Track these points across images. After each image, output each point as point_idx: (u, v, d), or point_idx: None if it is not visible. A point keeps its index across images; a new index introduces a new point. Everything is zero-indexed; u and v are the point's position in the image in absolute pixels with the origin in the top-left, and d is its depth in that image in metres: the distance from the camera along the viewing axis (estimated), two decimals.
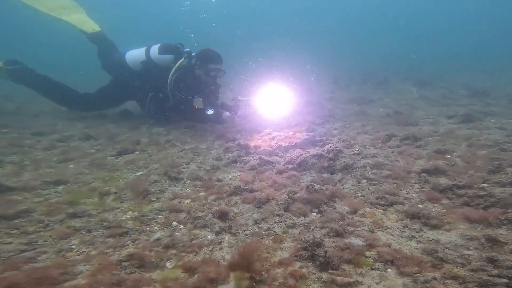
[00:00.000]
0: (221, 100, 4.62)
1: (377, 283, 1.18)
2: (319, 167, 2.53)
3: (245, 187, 2.29)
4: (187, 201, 2.16)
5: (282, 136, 3.92)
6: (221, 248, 1.58)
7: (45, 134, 3.78)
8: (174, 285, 1.27)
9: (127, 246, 1.57)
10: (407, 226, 1.54)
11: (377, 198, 1.82)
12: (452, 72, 9.55)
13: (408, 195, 1.86)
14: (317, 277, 1.22)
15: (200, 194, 2.28)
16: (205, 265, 1.35)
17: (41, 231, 1.69)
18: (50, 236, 1.63)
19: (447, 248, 1.35)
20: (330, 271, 1.22)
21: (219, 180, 2.51)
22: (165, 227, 1.81)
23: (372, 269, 1.24)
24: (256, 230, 1.74)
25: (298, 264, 1.33)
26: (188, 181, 2.54)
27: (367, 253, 1.33)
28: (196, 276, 1.32)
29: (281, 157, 3.06)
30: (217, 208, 1.97)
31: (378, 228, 1.53)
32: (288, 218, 1.82)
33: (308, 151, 2.77)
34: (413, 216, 1.58)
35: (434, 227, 1.53)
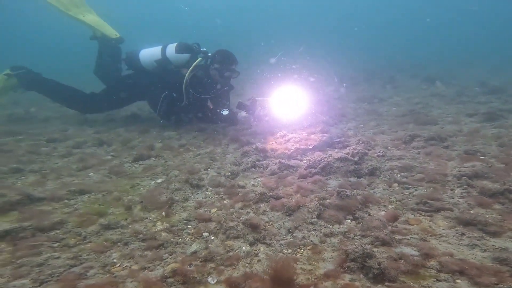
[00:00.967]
0: (238, 100, 4.53)
1: None
2: (345, 171, 2.46)
3: (271, 193, 2.22)
4: (214, 210, 2.10)
5: (297, 138, 3.85)
6: (259, 261, 1.52)
7: (59, 141, 3.75)
8: None
9: (165, 260, 1.53)
10: (464, 234, 1.45)
11: (417, 203, 1.74)
12: (460, 69, 9.42)
13: (453, 200, 1.77)
14: None
15: (225, 202, 2.22)
16: (249, 280, 1.29)
17: (80, 244, 1.68)
18: (90, 249, 1.62)
19: None
20: (387, 283, 1.15)
21: (241, 187, 2.45)
22: (197, 238, 1.75)
23: (438, 280, 1.17)
24: (291, 239, 1.67)
25: (347, 276, 1.26)
26: (210, 188, 2.48)
27: (427, 264, 1.24)
28: None
29: (301, 160, 2.99)
30: (246, 217, 1.91)
31: (430, 236, 1.46)
32: (323, 226, 1.76)
33: (331, 155, 2.70)
34: (468, 223, 1.49)
35: (494, 234, 1.44)
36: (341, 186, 2.16)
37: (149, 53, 4.44)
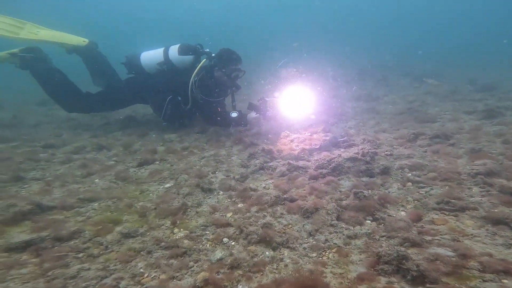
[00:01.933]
0: (248, 101, 4.47)
1: None
2: (356, 171, 2.47)
3: (285, 196, 2.21)
4: (229, 214, 2.07)
5: (301, 138, 3.85)
6: (286, 266, 1.49)
7: (56, 147, 3.60)
8: None
9: (192, 268, 1.49)
10: (496, 234, 1.46)
11: (439, 203, 1.76)
12: (449, 69, 9.66)
13: (473, 199, 1.80)
14: None
15: (239, 206, 2.18)
16: (280, 286, 1.26)
17: (104, 253, 1.63)
18: (116, 259, 1.57)
19: None
20: (428, 285, 1.15)
21: (253, 190, 2.42)
22: (217, 244, 1.71)
23: (484, 281, 1.17)
24: (314, 242, 1.66)
25: (383, 279, 1.26)
26: (221, 192, 2.44)
27: (467, 264, 1.24)
28: None
29: (308, 161, 2.98)
30: (264, 221, 1.88)
31: (462, 236, 1.46)
32: (344, 227, 1.75)
33: (340, 155, 2.71)
34: (497, 222, 1.51)
35: None
36: (355, 187, 2.17)
37: (150, 56, 4.31)
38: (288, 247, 1.64)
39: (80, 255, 1.60)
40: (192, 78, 4.01)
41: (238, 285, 1.35)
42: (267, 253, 1.61)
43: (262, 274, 1.43)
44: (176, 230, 1.88)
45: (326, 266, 1.43)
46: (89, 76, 4.83)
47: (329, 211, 1.89)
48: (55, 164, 3.03)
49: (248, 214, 2.02)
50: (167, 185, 2.59)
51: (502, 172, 2.00)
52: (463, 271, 1.20)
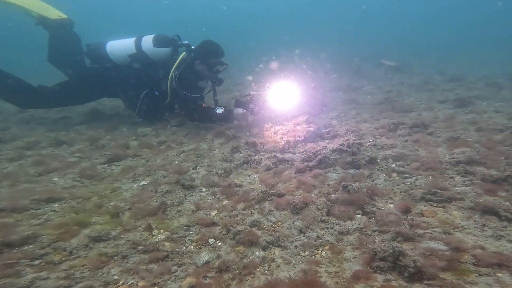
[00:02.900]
0: (236, 98, 4.26)
1: None
2: (343, 162, 2.43)
3: (272, 191, 2.11)
4: (214, 212, 1.94)
5: (284, 130, 3.77)
6: (278, 266, 1.41)
7: (3, 142, 3.19)
8: None
9: (176, 273, 1.35)
10: (484, 225, 1.48)
11: (425, 194, 1.77)
12: (414, 60, 10.06)
13: (458, 188, 1.83)
14: None
15: (224, 203, 2.06)
16: None
17: (68, 260, 1.44)
18: (83, 266, 1.39)
19: None
20: (426, 282, 1.12)
21: (238, 185, 2.30)
22: (202, 245, 1.59)
23: (480, 275, 1.16)
24: (305, 240, 1.59)
25: (379, 277, 1.21)
26: (204, 189, 2.29)
27: (461, 258, 1.23)
28: None
29: (294, 153, 2.92)
30: (251, 219, 1.78)
31: (453, 228, 1.46)
32: (335, 223, 1.70)
33: (326, 146, 2.66)
34: (483, 212, 1.53)
35: None
36: (343, 179, 2.13)
37: (119, 46, 3.93)
38: (279, 246, 1.56)
39: (36, 262, 1.40)
40: (171, 72, 3.74)
41: None
42: (257, 253, 1.51)
43: (253, 277, 1.33)
44: (155, 231, 1.72)
45: (320, 265, 1.37)
46: (46, 55, 4.25)
47: (319, 206, 1.83)
48: (1, 161, 2.67)
49: (234, 212, 1.90)
50: (143, 183, 2.38)
51: (481, 160, 2.07)
52: (459, 266, 1.19)
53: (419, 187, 1.91)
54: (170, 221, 1.82)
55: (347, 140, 2.68)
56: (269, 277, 1.31)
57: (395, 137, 2.93)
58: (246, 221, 1.78)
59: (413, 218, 1.57)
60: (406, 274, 1.16)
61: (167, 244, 1.56)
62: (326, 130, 3.40)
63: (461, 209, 1.63)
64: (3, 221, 1.71)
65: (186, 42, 3.94)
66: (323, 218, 1.74)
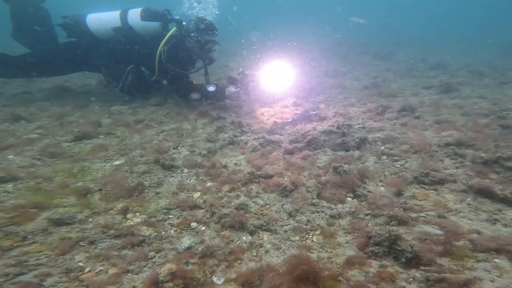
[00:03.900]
0: (228, 75, 4.03)
1: (498, 277, 1.05)
2: (332, 144, 2.35)
3: (259, 172, 1.99)
4: (197, 195, 1.79)
5: (271, 112, 3.64)
6: (267, 251, 1.31)
7: None
8: None
9: (153, 259, 1.21)
10: (478, 208, 1.45)
11: (416, 177, 1.72)
12: (398, 49, 10.13)
13: (448, 171, 1.80)
14: (411, 277, 1.05)
15: (208, 184, 1.91)
16: (265, 274, 1.07)
17: (21, 246, 1.26)
18: (40, 252, 1.22)
19: None
20: (422, 267, 1.07)
21: (223, 166, 2.15)
22: (183, 230, 1.45)
23: (478, 261, 1.12)
24: (295, 224, 1.50)
25: (374, 263, 1.15)
26: (186, 170, 2.12)
27: (458, 243, 1.19)
28: None
29: (281, 135, 2.80)
30: (238, 202, 1.66)
31: (447, 212, 1.42)
32: (325, 206, 1.62)
33: (315, 128, 2.56)
34: (476, 194, 1.51)
35: (507, 203, 1.44)
36: (333, 161, 2.05)
37: (103, 20, 3.58)
38: (267, 230, 1.46)
39: None
40: (160, 47, 3.48)
41: (213, 276, 1.13)
42: (244, 238, 1.40)
43: (240, 263, 1.23)
44: (130, 215, 1.55)
45: (311, 251, 1.28)
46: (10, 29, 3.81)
47: (309, 189, 1.74)
48: None
49: (219, 194, 1.77)
50: (117, 162, 2.16)
51: (469, 142, 2.06)
52: (455, 251, 1.15)
53: (409, 170, 1.87)
54: (147, 204, 1.65)
55: (336, 121, 2.59)
56: (258, 264, 1.21)
57: (383, 120, 2.89)
58: (232, 204, 1.65)
59: (405, 201, 1.52)
60: (402, 259, 1.10)
61: (143, 228, 1.40)
62: (314, 112, 3.30)
63: (454, 192, 1.60)
64: None
65: (177, 17, 3.66)
66: (314, 201, 1.65)
